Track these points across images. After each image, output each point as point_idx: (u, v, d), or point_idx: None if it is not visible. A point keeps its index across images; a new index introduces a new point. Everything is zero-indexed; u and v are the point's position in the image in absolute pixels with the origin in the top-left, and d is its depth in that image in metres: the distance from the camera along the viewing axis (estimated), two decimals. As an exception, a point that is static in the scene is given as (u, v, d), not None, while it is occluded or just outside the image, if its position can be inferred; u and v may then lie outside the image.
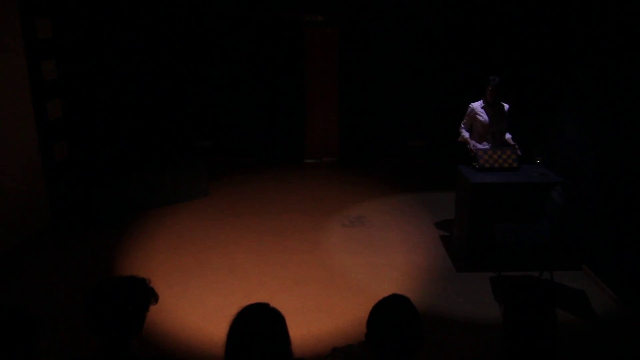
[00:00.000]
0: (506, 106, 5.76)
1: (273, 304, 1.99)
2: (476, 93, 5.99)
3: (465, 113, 5.87)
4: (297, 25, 8.31)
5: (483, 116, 5.69)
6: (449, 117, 7.66)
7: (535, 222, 5.13)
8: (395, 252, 5.68)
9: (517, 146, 5.61)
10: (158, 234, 6.13)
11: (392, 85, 8.52)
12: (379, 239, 6.01)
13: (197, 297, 4.81)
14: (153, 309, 2.10)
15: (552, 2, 6.05)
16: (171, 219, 6.54)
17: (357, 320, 4.39)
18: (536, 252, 5.19)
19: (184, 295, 4.83)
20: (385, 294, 2.06)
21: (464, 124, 5.89)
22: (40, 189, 6.17)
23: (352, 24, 8.25)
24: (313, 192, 7.53)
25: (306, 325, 4.34)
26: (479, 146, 5.74)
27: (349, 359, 2.05)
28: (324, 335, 4.24)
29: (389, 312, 1.96)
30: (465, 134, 5.86)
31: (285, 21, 8.26)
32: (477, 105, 5.76)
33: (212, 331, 4.23)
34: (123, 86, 7.91)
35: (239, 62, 8.49)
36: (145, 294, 2.06)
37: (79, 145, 6.90)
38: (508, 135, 5.78)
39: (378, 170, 8.50)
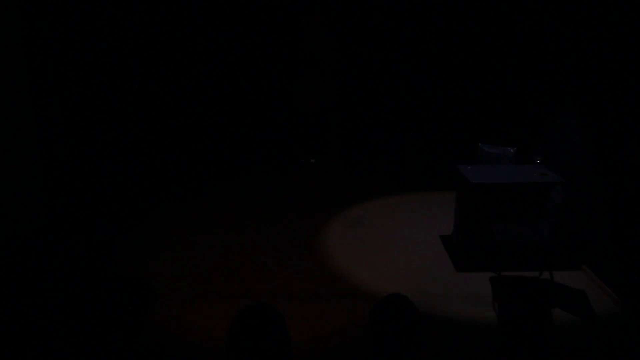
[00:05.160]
0: None
1: (273, 304, 1.99)
2: (476, 93, 5.98)
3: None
4: (297, 25, 8.32)
5: None
6: (449, 116, 7.66)
7: (535, 222, 5.13)
8: (395, 252, 5.68)
9: None
10: (158, 233, 6.13)
11: (392, 84, 8.51)
12: (379, 239, 6.00)
13: (197, 297, 4.81)
14: (153, 309, 2.11)
15: (552, 1, 6.04)
16: (171, 218, 6.54)
17: (357, 320, 4.38)
18: (536, 252, 5.18)
19: (184, 295, 4.82)
20: (385, 294, 2.06)
21: None
22: (40, 189, 6.16)
23: (352, 23, 8.25)
24: (313, 192, 7.53)
25: (306, 325, 4.33)
26: None
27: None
28: (323, 336, 4.23)
29: (389, 312, 1.96)
30: None
31: (284, 20, 8.27)
32: None
33: (212, 331, 4.22)
34: (123, 86, 7.90)
35: (238, 61, 8.48)
36: (145, 295, 2.06)
37: (79, 145, 6.89)
38: None
39: (378, 170, 8.50)
